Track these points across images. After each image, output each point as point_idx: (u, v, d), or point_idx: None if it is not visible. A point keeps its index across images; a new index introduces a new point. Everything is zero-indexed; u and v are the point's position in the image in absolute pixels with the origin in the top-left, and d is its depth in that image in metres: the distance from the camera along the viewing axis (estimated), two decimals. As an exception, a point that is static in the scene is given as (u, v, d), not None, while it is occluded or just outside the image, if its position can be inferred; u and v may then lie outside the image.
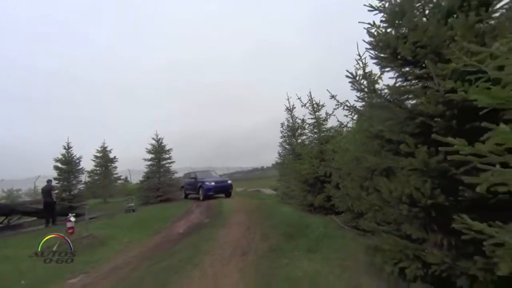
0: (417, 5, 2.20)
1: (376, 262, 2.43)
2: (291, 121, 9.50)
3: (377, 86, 2.44)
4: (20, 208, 9.50)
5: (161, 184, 13.92)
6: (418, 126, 2.08)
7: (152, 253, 4.20)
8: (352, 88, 2.61)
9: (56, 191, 10.08)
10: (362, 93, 2.62)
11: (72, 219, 5.08)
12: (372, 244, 2.57)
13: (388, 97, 2.43)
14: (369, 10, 2.52)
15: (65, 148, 14.81)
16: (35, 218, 10.06)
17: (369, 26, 2.46)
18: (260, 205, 8.29)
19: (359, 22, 2.54)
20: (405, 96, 2.25)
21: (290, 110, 9.45)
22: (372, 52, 2.54)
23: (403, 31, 2.31)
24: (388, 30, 2.41)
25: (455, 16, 1.99)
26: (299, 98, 8.02)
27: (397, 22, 2.32)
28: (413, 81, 2.34)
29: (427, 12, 2.20)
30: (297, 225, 4.76)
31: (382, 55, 2.38)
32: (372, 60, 2.47)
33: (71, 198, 13.15)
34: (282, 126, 9.87)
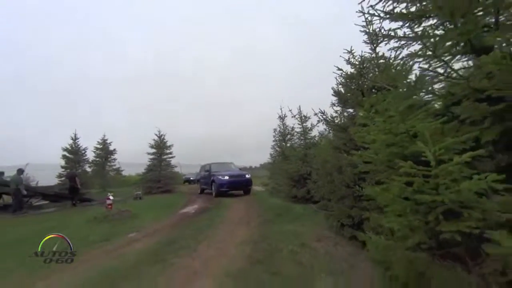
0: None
1: (330, 222, 4.13)
2: (282, 128, 11.19)
3: (336, 121, 4.15)
4: (40, 191, 10.69)
5: (162, 176, 15.32)
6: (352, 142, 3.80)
7: (178, 223, 5.76)
8: (322, 121, 4.34)
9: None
10: (328, 123, 4.33)
11: (111, 197, 6.54)
12: (328, 213, 4.27)
13: (341, 124, 4.16)
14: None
15: (72, 139, 15.98)
16: (47, 201, 11.28)
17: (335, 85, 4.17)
18: (253, 197, 9.94)
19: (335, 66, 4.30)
20: (348, 126, 3.97)
21: (282, 118, 11.14)
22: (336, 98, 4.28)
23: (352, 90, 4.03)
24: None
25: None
26: (290, 110, 9.74)
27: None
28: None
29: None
30: (284, 209, 6.45)
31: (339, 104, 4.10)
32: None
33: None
34: (274, 132, 11.56)
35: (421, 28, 2.26)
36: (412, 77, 2.35)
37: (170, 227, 5.41)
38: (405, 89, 2.19)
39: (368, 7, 2.68)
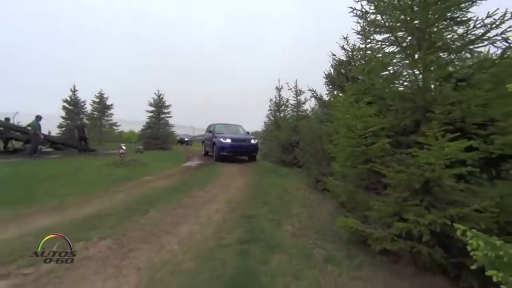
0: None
1: (308, 179, 5.36)
2: (278, 98, 12.05)
3: (324, 98, 5.14)
4: (49, 138, 11.47)
5: (160, 134, 16.21)
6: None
7: (184, 172, 6.90)
8: (313, 97, 5.32)
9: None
10: (317, 99, 5.32)
11: (124, 147, 7.52)
12: (308, 172, 5.49)
13: (327, 102, 5.17)
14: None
15: (71, 91, 16.24)
16: (52, 149, 12.12)
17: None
18: (247, 160, 11.17)
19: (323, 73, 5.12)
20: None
21: (279, 89, 11.94)
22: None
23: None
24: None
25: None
26: (287, 83, 10.55)
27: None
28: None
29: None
30: (274, 169, 7.69)
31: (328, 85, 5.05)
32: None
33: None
34: (270, 101, 12.41)
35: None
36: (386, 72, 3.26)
37: (179, 174, 6.55)
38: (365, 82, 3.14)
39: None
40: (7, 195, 3.93)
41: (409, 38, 2.68)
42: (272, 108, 12.43)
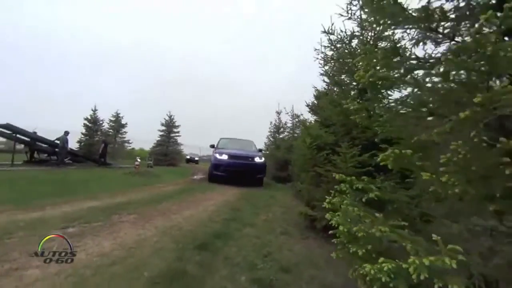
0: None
1: (293, 190, 6.34)
2: (278, 121, 13.32)
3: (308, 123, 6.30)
4: (73, 152, 12.92)
5: (169, 151, 17.57)
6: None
7: (191, 182, 7.99)
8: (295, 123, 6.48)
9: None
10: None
11: (139, 160, 8.76)
12: (293, 184, 6.49)
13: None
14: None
15: (92, 110, 18.02)
16: (71, 162, 13.50)
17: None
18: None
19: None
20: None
21: (278, 113, 13.25)
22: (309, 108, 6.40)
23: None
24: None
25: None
26: (284, 108, 11.84)
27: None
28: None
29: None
30: (268, 183, 8.69)
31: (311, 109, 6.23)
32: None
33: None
34: (270, 124, 13.68)
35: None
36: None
37: (185, 183, 7.65)
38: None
39: None
40: (53, 190, 5.09)
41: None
42: (272, 130, 13.68)
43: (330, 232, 1.56)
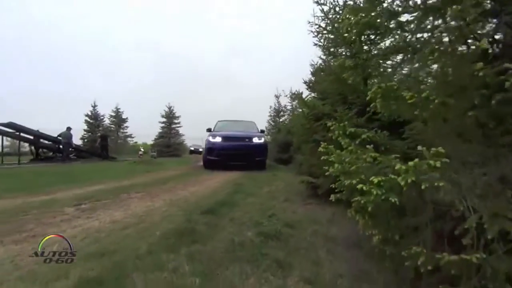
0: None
1: (295, 167, 6.45)
2: (277, 105, 13.32)
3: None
4: (77, 147, 13.09)
5: (172, 143, 17.71)
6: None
7: (194, 168, 8.12)
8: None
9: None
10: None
11: (142, 149, 8.88)
12: (298, 163, 6.59)
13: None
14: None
15: (92, 106, 18.08)
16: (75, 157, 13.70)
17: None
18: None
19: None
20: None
21: (277, 97, 13.24)
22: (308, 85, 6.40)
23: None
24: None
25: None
26: (283, 90, 11.80)
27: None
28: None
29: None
30: (272, 166, 8.81)
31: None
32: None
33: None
34: (270, 108, 13.69)
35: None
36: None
37: (190, 169, 7.79)
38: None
39: None
40: (62, 180, 5.24)
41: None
42: (272, 114, 13.70)
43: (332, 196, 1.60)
